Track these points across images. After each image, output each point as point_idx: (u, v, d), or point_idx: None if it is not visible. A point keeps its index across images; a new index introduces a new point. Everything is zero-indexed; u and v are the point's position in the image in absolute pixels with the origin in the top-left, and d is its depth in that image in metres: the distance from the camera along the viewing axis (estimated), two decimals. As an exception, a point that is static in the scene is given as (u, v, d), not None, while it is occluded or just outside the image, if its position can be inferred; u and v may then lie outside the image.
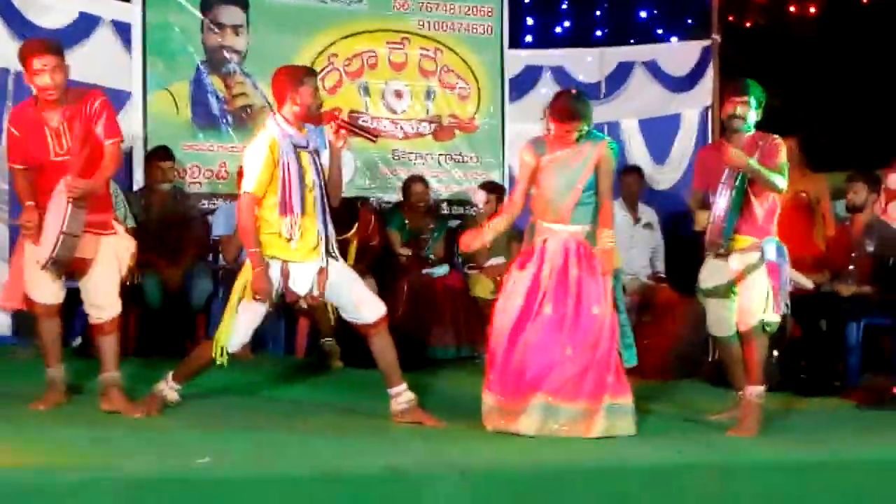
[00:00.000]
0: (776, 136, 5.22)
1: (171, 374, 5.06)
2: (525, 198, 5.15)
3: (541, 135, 5.22)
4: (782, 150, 5.15)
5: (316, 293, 4.97)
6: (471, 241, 5.21)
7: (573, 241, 5.00)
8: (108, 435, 4.47)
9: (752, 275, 5.10)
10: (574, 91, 5.20)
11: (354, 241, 7.17)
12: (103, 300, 5.02)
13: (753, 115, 5.21)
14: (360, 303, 5.06)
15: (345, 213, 6.94)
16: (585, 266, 4.96)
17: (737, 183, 5.00)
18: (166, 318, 6.91)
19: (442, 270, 7.61)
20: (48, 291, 5.01)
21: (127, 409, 4.97)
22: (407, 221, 7.76)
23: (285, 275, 4.88)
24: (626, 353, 5.03)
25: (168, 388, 5.04)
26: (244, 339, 4.98)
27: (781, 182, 5.09)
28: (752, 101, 5.18)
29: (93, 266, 4.98)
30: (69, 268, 4.94)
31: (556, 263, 4.95)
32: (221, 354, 4.89)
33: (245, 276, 4.90)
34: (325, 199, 4.98)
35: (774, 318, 5.15)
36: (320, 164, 5.00)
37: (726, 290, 5.23)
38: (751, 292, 5.11)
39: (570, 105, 5.00)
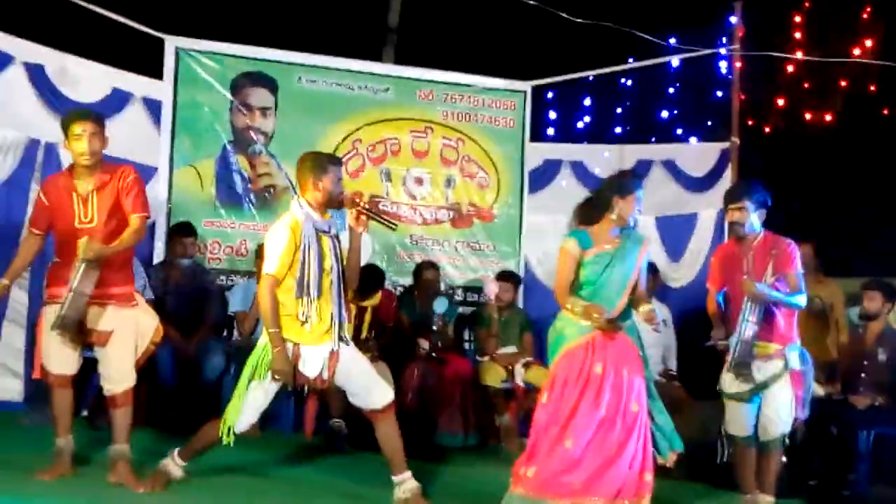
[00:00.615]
0: (789, 240, 5.27)
1: (177, 450, 5.08)
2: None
3: (580, 227, 5.18)
4: (796, 256, 5.20)
5: (326, 376, 5.00)
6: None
7: (623, 337, 5.01)
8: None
9: (777, 384, 5.11)
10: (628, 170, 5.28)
11: (370, 311, 7.23)
12: (118, 373, 5.08)
13: (755, 218, 5.27)
14: (369, 388, 5.09)
15: (370, 279, 7.04)
16: (632, 363, 4.97)
17: (759, 315, 5.04)
18: (178, 392, 6.93)
19: (441, 307, 7.58)
20: (63, 361, 5.06)
21: (132, 482, 4.98)
22: (418, 305, 7.79)
23: (296, 357, 4.92)
24: (673, 441, 5.05)
25: (173, 464, 5.06)
26: (252, 420, 5.00)
27: (802, 301, 5.13)
28: (750, 205, 5.23)
29: (111, 338, 5.05)
30: (82, 334, 5.00)
31: (610, 361, 4.93)
32: (228, 434, 4.92)
33: (258, 356, 4.95)
34: (342, 284, 5.05)
35: (790, 426, 5.19)
36: (339, 249, 5.08)
37: (749, 394, 5.22)
38: (776, 402, 5.12)
39: (634, 180, 5.13)
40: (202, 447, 5.09)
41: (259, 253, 5.13)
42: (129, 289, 5.16)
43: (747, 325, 5.05)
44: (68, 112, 5.36)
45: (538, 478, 4.83)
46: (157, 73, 7.94)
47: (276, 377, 4.88)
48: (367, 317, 7.27)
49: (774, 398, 5.11)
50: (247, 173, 8.11)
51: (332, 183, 5.02)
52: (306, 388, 5.36)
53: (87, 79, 7.62)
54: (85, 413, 6.92)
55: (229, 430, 4.93)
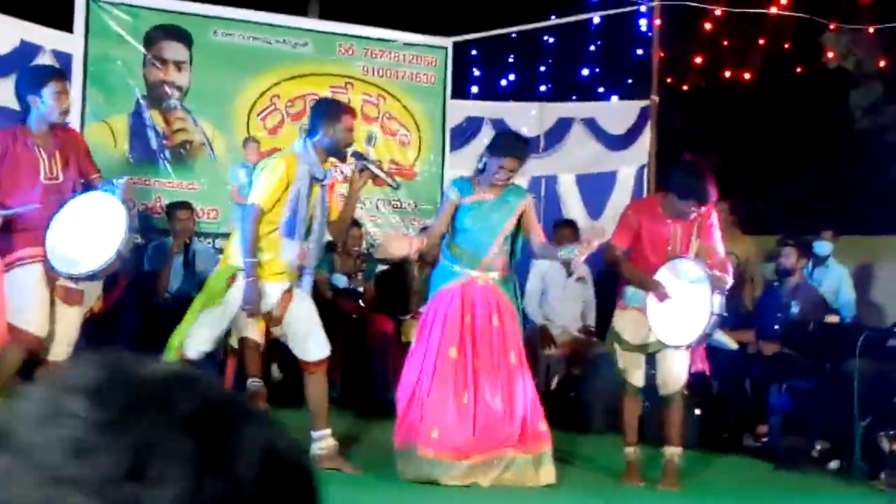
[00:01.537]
0: (708, 209, 5.31)
1: None
2: (442, 236, 5.20)
3: (468, 175, 5.29)
4: (716, 223, 5.28)
5: (277, 314, 5.00)
6: (398, 244, 5.25)
7: (491, 287, 5.07)
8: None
9: None
10: (515, 131, 5.31)
11: None
12: (69, 338, 4.91)
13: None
14: (308, 337, 5.07)
15: None
16: (504, 313, 5.05)
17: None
18: (94, 348, 6.79)
19: (341, 281, 7.58)
20: (45, 323, 4.79)
21: None
22: (338, 263, 7.73)
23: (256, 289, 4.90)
24: None
25: None
26: (202, 347, 4.92)
27: (729, 274, 5.15)
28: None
29: (79, 299, 4.90)
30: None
31: (478, 311, 5.00)
32: (172, 355, 4.83)
33: (212, 284, 4.93)
34: (322, 234, 5.08)
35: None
36: (325, 203, 5.05)
37: (647, 347, 5.30)
38: (676, 357, 5.18)
39: (511, 143, 5.12)
40: None
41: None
42: None
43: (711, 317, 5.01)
44: (47, 68, 5.28)
45: (436, 433, 4.88)
46: (67, 26, 7.70)
47: (246, 307, 4.85)
48: None
49: (674, 355, 5.18)
50: (161, 129, 7.93)
51: (344, 133, 4.96)
52: (223, 350, 5.30)
53: (-6, 31, 7.37)
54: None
55: (175, 352, 4.83)
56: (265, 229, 4.89)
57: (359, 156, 5.19)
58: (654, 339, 5.20)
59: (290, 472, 0.73)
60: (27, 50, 7.47)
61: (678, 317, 5.05)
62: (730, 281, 5.16)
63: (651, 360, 5.34)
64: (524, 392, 5.02)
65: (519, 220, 5.16)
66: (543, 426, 5.05)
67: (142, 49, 7.87)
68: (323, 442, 5.05)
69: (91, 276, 4.75)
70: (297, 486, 0.73)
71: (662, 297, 5.07)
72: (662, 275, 5.09)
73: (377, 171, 5.12)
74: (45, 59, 7.52)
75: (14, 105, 6.91)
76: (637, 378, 5.32)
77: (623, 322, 5.33)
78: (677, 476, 5.17)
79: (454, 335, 4.96)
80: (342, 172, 5.27)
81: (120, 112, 7.82)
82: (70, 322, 4.88)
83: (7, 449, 0.69)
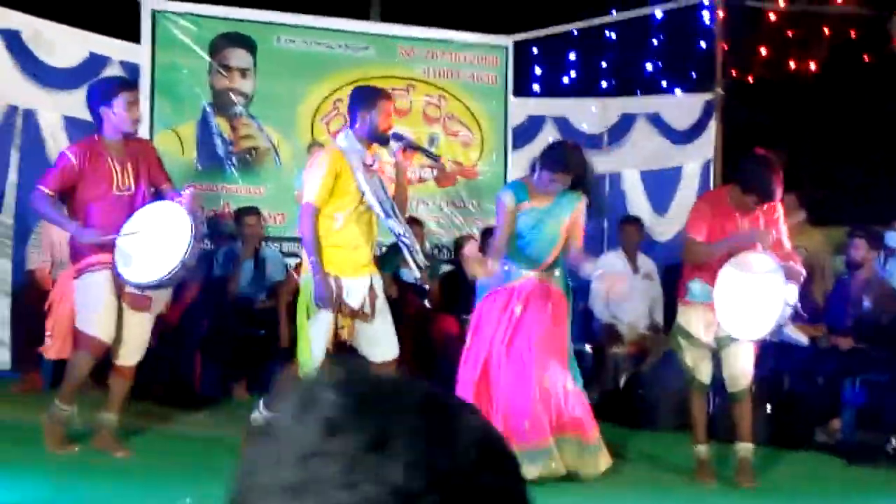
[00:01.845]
0: (777, 202, 5.26)
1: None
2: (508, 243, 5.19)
3: (521, 179, 5.28)
4: (781, 215, 5.21)
5: (367, 310, 5.01)
6: (476, 268, 5.24)
7: (548, 286, 5.08)
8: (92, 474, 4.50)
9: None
10: (570, 143, 5.28)
11: None
12: (140, 345, 5.02)
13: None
14: (383, 338, 5.09)
15: None
16: (555, 311, 5.05)
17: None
18: (165, 352, 6.93)
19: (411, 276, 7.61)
20: (111, 329, 4.89)
21: (115, 448, 4.98)
22: (400, 264, 7.74)
23: (339, 288, 4.92)
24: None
25: None
26: (322, 354, 4.95)
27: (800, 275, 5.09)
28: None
29: (149, 305, 5.00)
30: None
31: (532, 303, 5.03)
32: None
33: (304, 295, 4.95)
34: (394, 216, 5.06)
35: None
36: (383, 185, 5.09)
37: (715, 343, 5.24)
38: (744, 355, 5.12)
39: (564, 156, 5.09)
40: None
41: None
42: None
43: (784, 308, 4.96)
44: (117, 79, 5.42)
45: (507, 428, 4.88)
46: (134, 37, 7.86)
47: (319, 304, 4.85)
48: None
49: (744, 348, 5.13)
50: (228, 136, 8.06)
51: (380, 117, 4.99)
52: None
53: (63, 44, 7.55)
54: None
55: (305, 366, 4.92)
56: (335, 224, 4.90)
57: (398, 136, 5.23)
58: (722, 335, 5.14)
59: (502, 456, 0.86)
60: (96, 62, 7.64)
61: (749, 310, 4.97)
62: (803, 272, 5.09)
63: (717, 357, 5.29)
64: (573, 383, 5.06)
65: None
66: (590, 417, 5.08)
67: (207, 57, 8.00)
68: None
69: (156, 286, 4.83)
70: (506, 468, 0.86)
71: (764, 238, 4.99)
72: (728, 270, 5.03)
73: (417, 147, 5.28)
74: (113, 71, 7.68)
75: (84, 116, 7.13)
76: (705, 375, 5.26)
77: (688, 318, 5.28)
78: (752, 471, 5.13)
79: (509, 330, 4.99)
80: (392, 155, 5.28)
81: (187, 120, 7.95)
82: (139, 327, 4.96)
83: (271, 437, 0.84)
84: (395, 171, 5.22)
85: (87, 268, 4.89)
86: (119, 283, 4.83)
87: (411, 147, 5.21)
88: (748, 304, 4.96)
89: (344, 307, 4.94)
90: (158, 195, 5.05)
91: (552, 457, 4.88)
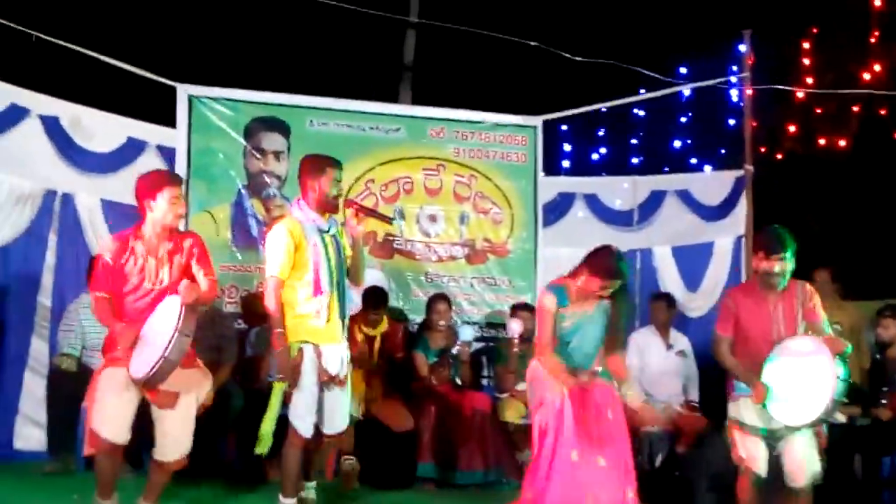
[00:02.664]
0: (807, 283, 5.22)
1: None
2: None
3: (560, 281, 5.24)
4: (818, 301, 5.17)
5: (343, 375, 5.20)
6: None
7: (603, 386, 5.08)
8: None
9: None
10: (615, 249, 5.25)
11: (378, 339, 7.30)
12: (177, 440, 4.93)
13: (791, 271, 5.19)
14: (341, 408, 5.31)
15: (375, 297, 7.22)
16: (615, 405, 5.07)
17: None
18: (198, 433, 6.93)
19: (467, 335, 7.57)
20: (120, 428, 4.81)
21: None
22: (431, 340, 7.75)
23: (318, 356, 5.09)
24: None
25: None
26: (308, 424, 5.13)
27: (844, 347, 5.04)
28: (790, 257, 5.12)
29: (178, 400, 4.91)
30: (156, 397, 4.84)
31: (592, 409, 5.04)
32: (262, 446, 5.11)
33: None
34: (345, 283, 5.27)
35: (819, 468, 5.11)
36: (342, 248, 5.28)
37: (777, 434, 5.11)
38: (804, 447, 5.02)
39: (614, 263, 5.08)
40: (294, 474, 5.19)
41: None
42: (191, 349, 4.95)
43: (836, 383, 4.89)
44: (164, 173, 5.42)
45: None
46: (170, 121, 8.02)
47: (280, 377, 5.03)
48: (377, 345, 7.30)
49: (805, 440, 5.01)
50: (262, 217, 8.16)
51: (329, 184, 5.22)
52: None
53: (101, 129, 7.72)
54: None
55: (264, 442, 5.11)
56: (300, 297, 5.08)
57: (349, 202, 5.48)
58: (775, 426, 5.05)
59: None
60: (133, 146, 7.81)
61: (800, 395, 4.90)
62: (847, 343, 5.01)
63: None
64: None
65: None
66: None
67: (242, 141, 8.15)
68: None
69: (145, 381, 4.72)
70: None
71: (759, 397, 4.99)
72: (772, 366, 4.99)
73: (369, 210, 5.46)
74: (150, 154, 7.84)
75: (123, 199, 7.28)
76: (761, 466, 5.12)
77: (738, 408, 5.20)
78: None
79: (573, 437, 4.94)
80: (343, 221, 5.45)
81: (222, 202, 8.07)
82: (172, 425, 4.87)
83: None
84: (349, 235, 5.37)
85: (108, 363, 4.89)
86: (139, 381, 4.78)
87: (362, 210, 5.40)
88: (798, 389, 4.88)
89: (323, 374, 5.10)
90: None
91: None
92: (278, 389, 5.17)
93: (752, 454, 5.10)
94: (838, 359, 4.85)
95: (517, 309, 7.86)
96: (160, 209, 4.94)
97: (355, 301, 6.87)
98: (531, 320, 7.74)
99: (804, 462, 5.01)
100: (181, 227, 5.25)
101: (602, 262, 5.09)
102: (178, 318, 4.67)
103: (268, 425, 5.13)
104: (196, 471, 6.03)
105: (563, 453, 4.94)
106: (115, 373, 4.81)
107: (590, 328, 5.09)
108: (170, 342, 4.63)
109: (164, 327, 4.71)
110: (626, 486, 5.00)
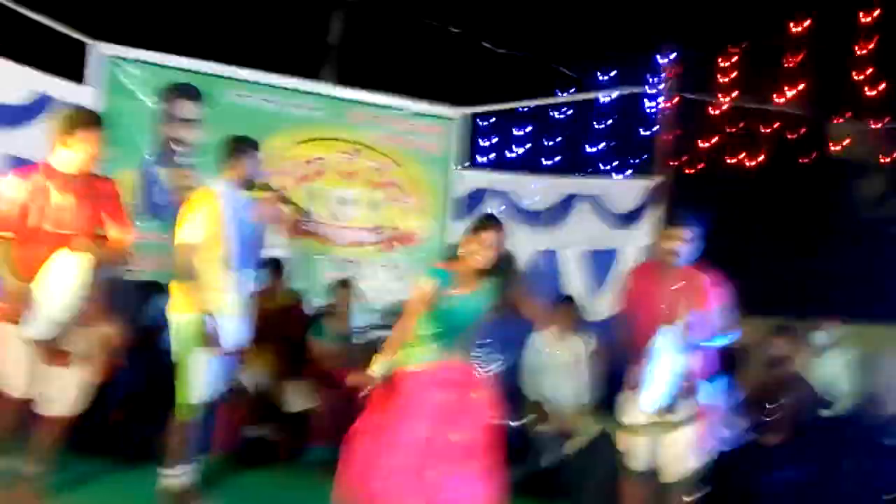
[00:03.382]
0: (705, 276, 5.23)
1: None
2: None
3: (443, 265, 5.14)
4: (712, 294, 5.19)
5: (242, 345, 5.34)
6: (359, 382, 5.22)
7: (466, 370, 5.05)
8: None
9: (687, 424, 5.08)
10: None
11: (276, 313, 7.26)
12: (71, 398, 4.76)
13: (688, 252, 5.23)
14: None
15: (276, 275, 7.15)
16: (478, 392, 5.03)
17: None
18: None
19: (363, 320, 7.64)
20: (19, 381, 4.61)
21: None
22: (328, 327, 7.69)
23: (215, 328, 5.15)
24: None
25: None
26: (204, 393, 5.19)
27: (727, 340, 5.11)
28: (690, 237, 5.15)
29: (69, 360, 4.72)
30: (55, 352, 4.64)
31: (455, 389, 4.94)
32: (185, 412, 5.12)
33: (184, 332, 5.15)
34: (256, 261, 5.42)
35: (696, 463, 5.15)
36: (255, 230, 5.39)
37: (655, 430, 5.16)
38: (682, 441, 5.08)
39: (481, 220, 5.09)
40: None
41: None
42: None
43: (680, 363, 4.93)
44: (89, 112, 5.07)
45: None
46: (77, 76, 7.78)
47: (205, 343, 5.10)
48: (280, 323, 7.27)
49: (678, 439, 5.08)
50: (169, 184, 7.99)
51: (252, 165, 5.37)
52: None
53: (7, 80, 7.46)
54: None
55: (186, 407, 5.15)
56: (210, 269, 5.16)
57: (266, 186, 5.58)
58: (652, 420, 5.11)
59: None
60: (39, 100, 7.55)
61: (657, 385, 4.99)
62: (698, 339, 5.03)
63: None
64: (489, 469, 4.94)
65: None
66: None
67: (154, 105, 7.96)
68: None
69: (46, 343, 4.57)
70: None
71: (633, 384, 5.04)
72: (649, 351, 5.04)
73: (283, 197, 5.61)
74: (56, 111, 7.58)
75: (29, 155, 7.05)
76: (638, 462, 5.18)
77: (620, 404, 5.26)
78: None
79: (429, 415, 4.84)
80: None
81: (129, 167, 7.87)
82: (65, 382, 4.68)
83: None
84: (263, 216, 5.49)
85: (4, 318, 4.62)
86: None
87: (283, 199, 5.59)
88: (656, 380, 4.96)
89: (215, 346, 5.19)
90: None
91: None
92: (184, 359, 5.21)
93: (629, 449, 5.20)
94: (684, 353, 4.90)
95: (340, 285, 7.77)
96: (79, 147, 4.69)
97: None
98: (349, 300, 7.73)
99: (676, 458, 5.08)
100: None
101: (473, 224, 5.01)
102: (78, 279, 4.53)
103: (184, 393, 5.17)
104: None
105: (416, 429, 4.80)
106: (6, 329, 4.58)
107: (467, 309, 5.02)
108: (69, 303, 4.50)
109: (62, 286, 4.54)
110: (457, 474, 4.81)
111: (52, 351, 4.62)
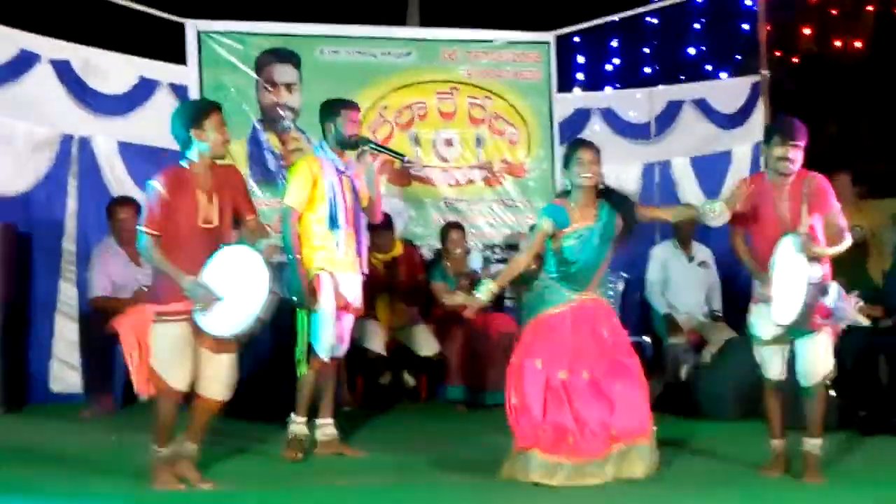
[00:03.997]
0: (818, 174, 5.13)
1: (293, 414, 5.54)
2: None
3: (558, 202, 5.14)
4: (831, 194, 5.08)
5: (358, 305, 5.57)
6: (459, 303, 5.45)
7: (599, 305, 5.11)
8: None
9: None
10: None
11: (392, 262, 7.52)
12: (227, 379, 4.80)
13: (801, 157, 5.14)
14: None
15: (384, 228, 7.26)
16: (610, 325, 5.08)
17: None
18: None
19: (476, 263, 7.86)
20: (186, 377, 4.67)
21: (197, 479, 4.86)
22: (449, 268, 7.80)
23: (336, 284, 5.41)
24: None
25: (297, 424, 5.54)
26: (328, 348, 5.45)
27: (848, 242, 5.01)
28: (802, 146, 5.09)
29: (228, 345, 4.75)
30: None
31: (586, 329, 5.01)
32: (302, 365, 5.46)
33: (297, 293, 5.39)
34: (360, 221, 5.61)
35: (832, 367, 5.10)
36: (356, 190, 5.58)
37: (788, 338, 5.12)
38: (817, 346, 5.03)
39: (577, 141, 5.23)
40: (307, 396, 5.48)
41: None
42: None
43: (813, 269, 4.86)
44: (204, 101, 5.32)
45: (551, 439, 4.84)
46: (180, 59, 7.99)
47: (297, 300, 5.35)
48: (393, 270, 7.47)
49: (815, 342, 5.02)
50: (278, 150, 8.17)
51: (344, 125, 5.54)
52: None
53: (113, 70, 7.71)
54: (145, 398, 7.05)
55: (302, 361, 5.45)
56: (319, 230, 5.42)
57: (364, 140, 5.72)
58: (781, 330, 5.06)
59: None
60: (146, 86, 7.79)
61: (789, 296, 4.88)
62: (822, 248, 4.94)
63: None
64: (639, 390, 5.01)
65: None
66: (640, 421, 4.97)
67: (253, 74, 8.12)
68: (326, 429, 5.59)
69: (232, 339, 4.65)
70: None
71: (762, 296, 5.02)
72: (773, 262, 4.96)
73: (377, 149, 5.74)
74: (163, 93, 7.84)
75: (139, 140, 7.32)
76: (775, 372, 5.14)
77: (753, 316, 5.17)
78: (819, 468, 5.04)
79: (564, 358, 4.92)
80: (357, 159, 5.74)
81: (238, 137, 7.99)
82: (223, 366, 4.73)
83: None
84: (366, 172, 5.65)
85: (164, 315, 4.64)
86: (197, 330, 4.64)
87: (377, 148, 5.73)
88: (789, 289, 4.90)
89: (339, 298, 5.41)
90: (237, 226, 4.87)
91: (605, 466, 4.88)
92: (301, 315, 5.46)
93: (764, 361, 5.15)
94: (815, 262, 4.81)
95: (451, 228, 7.85)
96: (209, 138, 4.67)
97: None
98: (462, 241, 7.77)
99: (813, 363, 5.03)
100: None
101: (569, 150, 5.09)
102: (270, 280, 4.53)
103: (300, 349, 5.44)
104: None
105: (552, 372, 4.91)
106: (176, 330, 4.61)
107: (590, 244, 5.04)
108: (264, 304, 4.51)
109: (243, 282, 4.53)
110: (618, 399, 4.92)
111: (221, 341, 4.67)
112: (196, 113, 4.77)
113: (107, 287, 6.94)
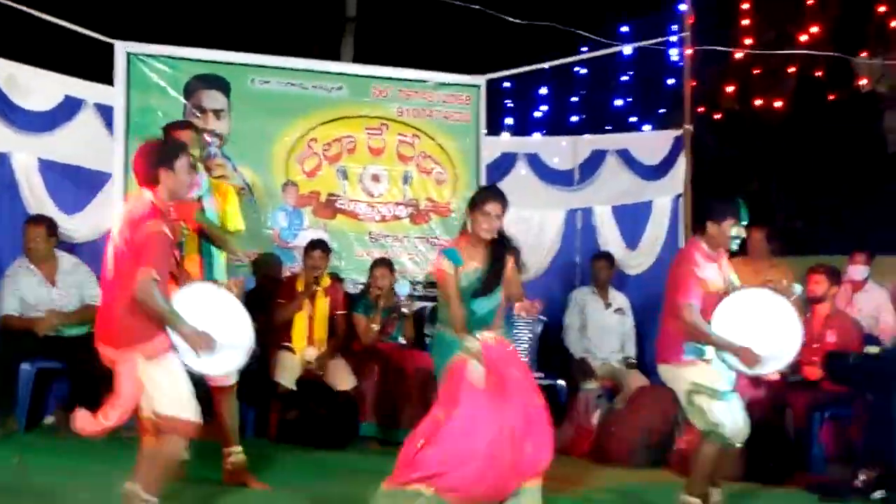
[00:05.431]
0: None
1: None
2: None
3: (451, 244, 5.13)
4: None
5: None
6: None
7: (503, 345, 5.02)
8: None
9: None
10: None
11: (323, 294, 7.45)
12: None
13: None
14: None
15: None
16: (518, 363, 5.06)
17: None
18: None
19: (403, 289, 7.81)
20: (195, 408, 4.42)
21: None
22: (371, 304, 7.78)
23: None
24: None
25: None
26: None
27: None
28: (745, 225, 5.18)
29: None
30: None
31: (497, 369, 4.89)
32: None
33: None
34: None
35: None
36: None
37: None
38: (740, 402, 5.11)
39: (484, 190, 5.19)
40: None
41: None
42: None
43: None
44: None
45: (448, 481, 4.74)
46: (108, 79, 7.90)
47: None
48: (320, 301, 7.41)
49: (739, 402, 5.11)
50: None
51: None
52: None
53: (37, 87, 7.55)
54: (48, 422, 6.91)
55: None
56: None
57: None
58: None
59: None
60: (70, 104, 7.66)
61: (769, 342, 4.94)
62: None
63: None
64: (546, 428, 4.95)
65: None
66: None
67: (181, 99, 8.05)
68: (233, 458, 5.46)
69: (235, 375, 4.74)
70: None
71: (753, 360, 4.95)
72: (724, 315, 5.02)
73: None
74: (88, 113, 7.73)
75: (60, 158, 7.20)
76: (742, 425, 5.06)
77: (703, 373, 5.04)
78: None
79: (482, 399, 4.82)
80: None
81: (164, 162, 7.97)
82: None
83: None
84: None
85: (164, 350, 4.32)
86: None
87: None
88: (766, 335, 4.94)
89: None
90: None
91: None
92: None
93: (731, 420, 5.00)
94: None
95: (379, 264, 7.83)
96: (177, 180, 4.40)
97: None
98: (390, 276, 7.76)
99: (744, 420, 5.11)
100: None
101: (474, 197, 5.03)
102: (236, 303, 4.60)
103: None
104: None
105: (477, 413, 4.80)
106: (174, 362, 4.34)
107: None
108: (249, 344, 4.55)
109: (226, 319, 4.48)
110: (527, 440, 4.83)
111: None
112: (171, 151, 4.49)
113: (16, 307, 6.79)
